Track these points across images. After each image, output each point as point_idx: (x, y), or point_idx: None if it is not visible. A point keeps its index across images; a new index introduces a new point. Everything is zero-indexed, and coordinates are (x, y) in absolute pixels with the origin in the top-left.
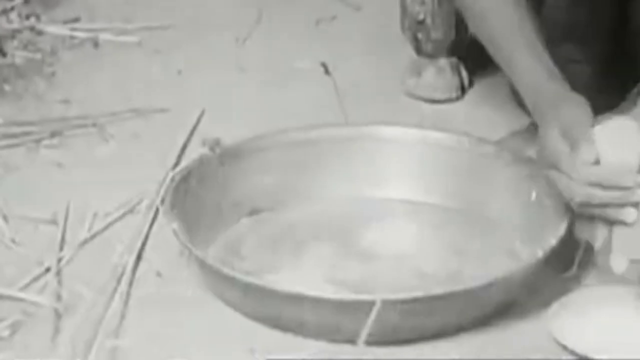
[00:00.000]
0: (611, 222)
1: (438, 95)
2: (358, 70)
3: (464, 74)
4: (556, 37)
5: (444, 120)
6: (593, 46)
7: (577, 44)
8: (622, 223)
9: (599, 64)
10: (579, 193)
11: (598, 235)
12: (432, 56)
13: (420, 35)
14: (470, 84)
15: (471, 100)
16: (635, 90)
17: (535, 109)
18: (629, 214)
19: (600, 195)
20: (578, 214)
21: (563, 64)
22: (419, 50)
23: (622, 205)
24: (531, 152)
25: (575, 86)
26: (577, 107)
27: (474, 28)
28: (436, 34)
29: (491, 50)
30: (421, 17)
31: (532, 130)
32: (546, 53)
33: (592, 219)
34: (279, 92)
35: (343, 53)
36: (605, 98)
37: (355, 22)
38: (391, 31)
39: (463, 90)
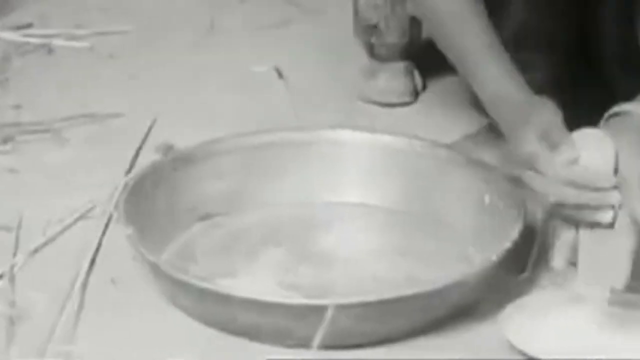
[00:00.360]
0: (586, 224)
1: (392, 99)
2: (312, 74)
3: (418, 77)
4: (514, 44)
5: (397, 123)
6: (552, 54)
7: (535, 52)
8: (597, 225)
9: (558, 71)
10: (555, 192)
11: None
12: (385, 60)
13: (373, 40)
14: (424, 87)
15: (424, 103)
16: (604, 117)
17: (502, 115)
18: (604, 216)
19: (575, 195)
20: (553, 215)
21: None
22: (372, 54)
23: (598, 207)
24: (484, 155)
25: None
26: (550, 111)
27: (433, 35)
28: (390, 38)
29: (451, 58)
30: (374, 21)
31: (485, 133)
32: (510, 61)
33: (565, 220)
34: (233, 97)
35: (297, 57)
36: (566, 106)
37: (310, 26)
38: (345, 35)
39: (416, 93)
